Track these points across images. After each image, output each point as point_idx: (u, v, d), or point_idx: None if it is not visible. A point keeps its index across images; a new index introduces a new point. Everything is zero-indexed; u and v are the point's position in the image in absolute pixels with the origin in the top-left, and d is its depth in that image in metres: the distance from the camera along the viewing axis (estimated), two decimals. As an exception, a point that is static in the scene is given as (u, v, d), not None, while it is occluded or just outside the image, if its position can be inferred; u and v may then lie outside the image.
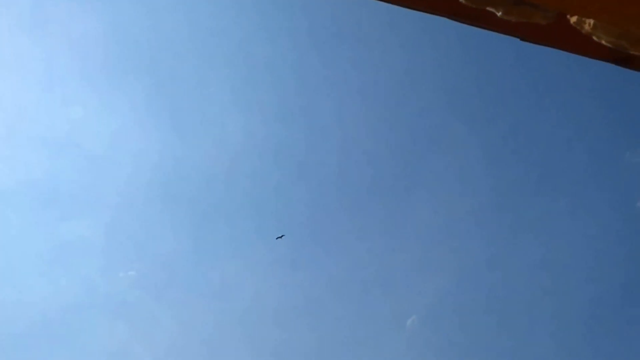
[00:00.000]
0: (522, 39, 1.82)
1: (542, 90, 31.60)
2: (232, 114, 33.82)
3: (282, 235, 27.23)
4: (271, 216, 34.59)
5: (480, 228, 33.04)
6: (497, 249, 32.33)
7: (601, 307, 28.56)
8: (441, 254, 32.69)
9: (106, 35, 32.37)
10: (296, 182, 34.86)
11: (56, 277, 32.34)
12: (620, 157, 29.67)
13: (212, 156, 34.34)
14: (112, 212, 34.46)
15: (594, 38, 1.48)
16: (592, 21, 1.42)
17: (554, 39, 1.75)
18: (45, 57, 32.23)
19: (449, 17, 1.71)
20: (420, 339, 29.75)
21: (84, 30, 31.17)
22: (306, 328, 32.40)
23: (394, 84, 33.05)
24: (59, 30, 31.93)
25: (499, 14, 1.46)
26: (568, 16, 1.46)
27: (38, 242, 33.39)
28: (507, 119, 32.76)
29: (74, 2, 30.27)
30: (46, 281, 31.97)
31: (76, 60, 32.65)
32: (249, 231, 34.99)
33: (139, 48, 32.59)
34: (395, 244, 34.02)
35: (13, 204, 33.18)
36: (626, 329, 27.38)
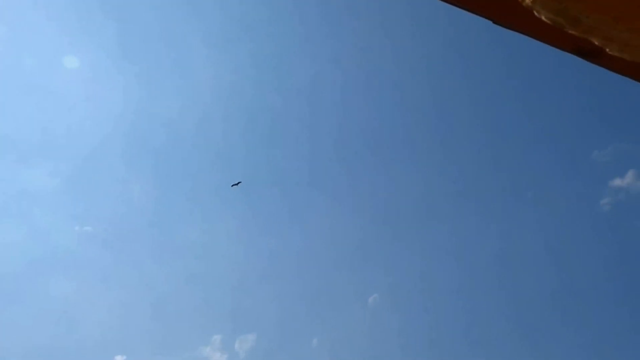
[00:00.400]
0: (465, 9, 1.77)
1: (515, 83, 32.40)
2: (204, 68, 32.43)
3: (239, 182, 24.96)
4: (238, 179, 32.00)
5: (446, 213, 32.92)
6: (460, 234, 32.73)
7: (559, 296, 29.78)
8: (406, 236, 33.32)
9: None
10: (266, 147, 33.87)
11: (7, 226, 31.35)
12: (588, 155, 30.33)
13: (179, 111, 33.32)
14: (72, 162, 32.86)
15: (535, 13, 1.45)
16: (532, -7, 1.37)
17: (499, 13, 1.71)
18: None
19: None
20: (381, 316, 30.22)
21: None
22: (267, 297, 32.19)
23: (371, 56, 32.87)
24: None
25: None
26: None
27: (-10, 188, 31.69)
28: (477, 110, 33.06)
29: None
30: (-3, 230, 31.11)
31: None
32: (214, 193, 34.14)
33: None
34: (362, 222, 33.90)
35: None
36: (581, 321, 28.82)
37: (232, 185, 25.16)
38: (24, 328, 29.27)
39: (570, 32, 1.43)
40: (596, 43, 1.45)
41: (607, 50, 1.47)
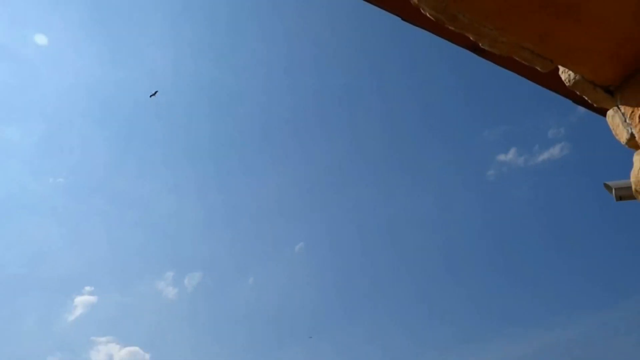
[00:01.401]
0: (376, 5, 1.92)
1: (424, 75, 36.19)
2: (165, 47, 36.49)
3: (156, 92, 27.07)
4: (192, 144, 38.51)
5: (358, 180, 38.38)
6: (369, 197, 38.15)
7: (446, 250, 36.60)
8: (325, 194, 39.30)
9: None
10: (217, 117, 38.58)
11: None
12: (479, 133, 34.96)
13: (143, 84, 37.00)
14: (47, 122, 37.07)
15: (422, 10, 1.63)
16: (419, -7, 1.55)
17: (396, 8, 1.88)
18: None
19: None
20: (306, 262, 36.32)
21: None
22: (212, 242, 38.73)
23: (314, 45, 36.43)
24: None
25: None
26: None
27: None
28: (388, 95, 36.78)
29: None
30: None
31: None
32: (171, 155, 39.21)
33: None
34: (291, 180, 39.47)
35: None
36: (466, 272, 35.29)
37: (150, 96, 27.33)
38: (5, 261, 35.18)
39: (449, 27, 1.63)
40: (471, 38, 1.67)
41: (480, 44, 1.68)
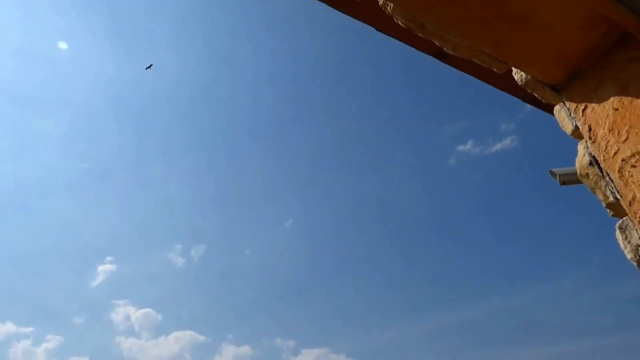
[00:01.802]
0: (339, 10, 2.06)
1: (389, 78, 40.52)
2: (172, 51, 40.24)
3: (150, 65, 29.32)
4: (197, 135, 43.11)
5: (340, 165, 43.36)
6: (348, 178, 43.52)
7: (420, 224, 42.33)
8: (312, 179, 44.01)
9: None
10: (218, 112, 43.33)
11: (25, 161, 40.91)
12: (442, 128, 40.81)
13: (154, 83, 41.18)
14: (74, 116, 41.98)
15: (395, 20, 1.79)
16: (392, 4, 1.71)
17: (371, 19, 2.03)
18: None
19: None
20: (295, 236, 43.13)
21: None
22: (213, 219, 44.53)
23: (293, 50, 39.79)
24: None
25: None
26: (376, -3, 1.73)
27: (10, 134, 40.47)
28: (366, 96, 41.43)
29: None
30: (15, 165, 40.48)
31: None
32: (176, 143, 43.86)
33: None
34: (281, 167, 44.78)
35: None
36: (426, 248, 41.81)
37: (146, 69, 29.09)
38: (39, 235, 41.81)
39: (418, 34, 1.80)
40: (437, 44, 1.85)
41: (445, 49, 1.87)
